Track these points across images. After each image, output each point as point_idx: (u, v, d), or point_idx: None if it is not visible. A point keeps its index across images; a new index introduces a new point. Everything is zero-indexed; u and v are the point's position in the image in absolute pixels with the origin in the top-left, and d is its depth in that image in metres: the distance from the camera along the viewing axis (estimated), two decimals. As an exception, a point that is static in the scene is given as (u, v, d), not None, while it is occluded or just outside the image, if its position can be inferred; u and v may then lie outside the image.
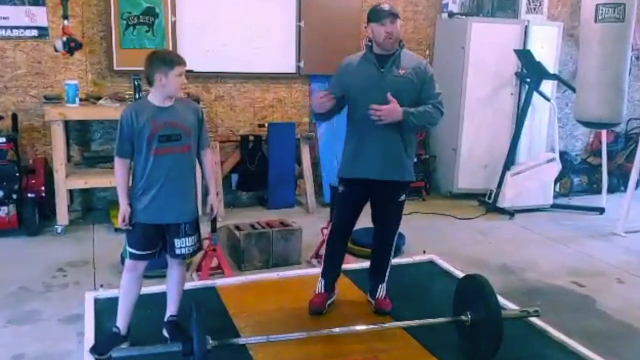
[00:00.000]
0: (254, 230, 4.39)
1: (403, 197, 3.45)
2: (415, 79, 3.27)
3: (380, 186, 3.35)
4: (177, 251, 2.99)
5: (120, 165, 2.91)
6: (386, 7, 3.25)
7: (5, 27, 5.14)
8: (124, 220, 2.90)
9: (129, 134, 2.86)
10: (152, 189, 2.88)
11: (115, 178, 2.94)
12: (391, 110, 3.15)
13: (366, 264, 3.80)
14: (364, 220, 3.58)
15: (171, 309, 3.15)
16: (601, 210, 6.07)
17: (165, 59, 2.87)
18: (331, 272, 3.59)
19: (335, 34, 5.97)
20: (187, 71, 2.99)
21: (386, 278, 3.58)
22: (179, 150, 2.91)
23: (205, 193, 3.19)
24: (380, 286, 3.58)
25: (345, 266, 4.08)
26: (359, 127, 3.32)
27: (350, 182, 3.42)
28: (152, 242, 2.95)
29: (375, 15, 3.25)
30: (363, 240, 4.33)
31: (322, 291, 3.56)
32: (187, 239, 2.98)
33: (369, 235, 4.56)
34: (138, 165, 2.90)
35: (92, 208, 5.66)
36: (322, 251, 3.97)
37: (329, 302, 3.56)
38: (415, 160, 6.38)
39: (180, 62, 2.88)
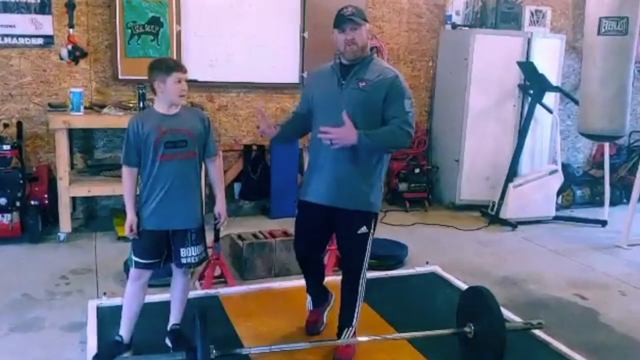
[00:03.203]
0: (257, 240, 4.39)
1: (364, 229, 2.96)
2: (374, 94, 2.87)
3: (336, 214, 2.97)
4: (183, 260, 2.99)
5: (127, 174, 2.92)
6: (347, 12, 2.87)
7: (11, 35, 5.16)
8: (131, 230, 2.90)
9: (136, 142, 2.87)
10: (158, 194, 2.89)
11: (123, 187, 2.94)
12: (343, 133, 2.76)
13: (371, 274, 3.75)
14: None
15: (174, 318, 3.15)
16: (603, 223, 6.05)
17: (163, 66, 2.88)
18: (313, 290, 3.39)
19: (339, 44, 5.99)
20: (191, 81, 2.99)
21: (354, 322, 3.08)
22: (185, 155, 2.92)
23: (211, 202, 3.19)
24: (345, 330, 3.08)
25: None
26: (315, 145, 3.00)
27: (306, 206, 3.09)
28: (158, 251, 2.96)
29: (336, 21, 2.91)
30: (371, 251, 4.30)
31: (312, 308, 3.42)
32: (193, 248, 2.98)
33: (378, 246, 4.56)
34: (144, 172, 2.91)
35: (95, 216, 5.67)
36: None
37: (326, 312, 3.41)
38: (418, 170, 6.46)
39: (178, 68, 2.87)
